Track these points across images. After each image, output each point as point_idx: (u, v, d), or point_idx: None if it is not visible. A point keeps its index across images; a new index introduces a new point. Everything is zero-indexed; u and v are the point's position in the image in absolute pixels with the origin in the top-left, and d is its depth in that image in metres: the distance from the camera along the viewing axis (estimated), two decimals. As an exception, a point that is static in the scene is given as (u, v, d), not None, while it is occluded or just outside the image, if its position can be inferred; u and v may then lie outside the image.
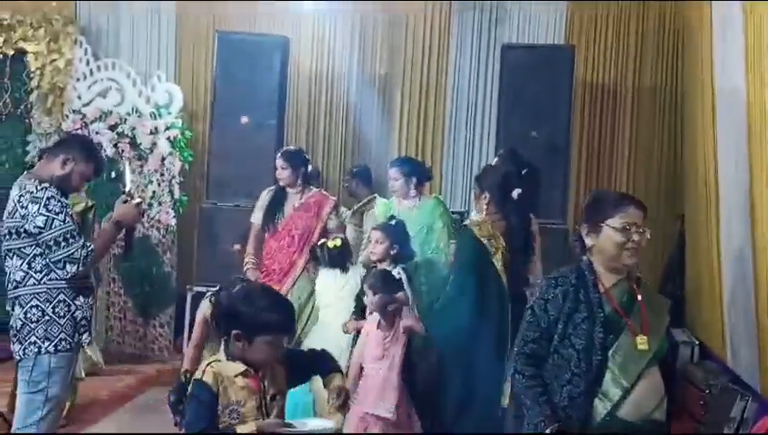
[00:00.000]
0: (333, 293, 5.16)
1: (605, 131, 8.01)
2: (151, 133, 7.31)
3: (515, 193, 4.59)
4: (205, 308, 5.12)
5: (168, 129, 7.36)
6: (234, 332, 2.75)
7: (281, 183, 5.90)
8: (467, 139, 8.10)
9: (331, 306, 5.16)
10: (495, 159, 5.28)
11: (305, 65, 8.19)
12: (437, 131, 8.16)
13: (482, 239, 4.50)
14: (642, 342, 2.96)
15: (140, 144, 7.29)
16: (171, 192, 7.37)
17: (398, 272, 4.81)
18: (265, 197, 5.98)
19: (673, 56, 7.86)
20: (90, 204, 5.06)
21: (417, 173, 5.88)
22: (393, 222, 5.15)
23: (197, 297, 6.73)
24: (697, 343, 6.41)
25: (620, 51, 7.94)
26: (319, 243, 5.36)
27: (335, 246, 5.18)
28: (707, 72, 6.36)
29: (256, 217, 5.94)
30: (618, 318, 2.99)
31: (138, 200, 4.10)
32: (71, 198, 4.01)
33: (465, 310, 4.47)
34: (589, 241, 3.06)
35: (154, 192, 7.32)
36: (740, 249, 5.38)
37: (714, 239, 6.11)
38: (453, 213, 6.89)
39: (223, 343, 2.85)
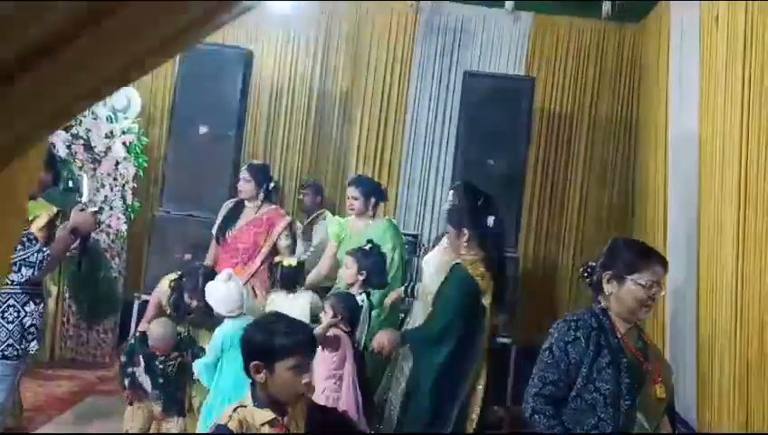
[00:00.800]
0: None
1: (560, 161, 8.12)
2: (107, 137, 7.21)
3: (491, 221, 4.60)
4: (162, 290, 5.13)
5: (123, 133, 7.28)
6: (252, 364, 2.68)
7: (241, 195, 5.89)
8: (424, 162, 8.15)
9: None
10: (451, 193, 5.27)
11: (267, 78, 8.19)
12: (395, 153, 8.20)
13: (475, 278, 4.50)
14: (661, 390, 2.99)
15: (95, 147, 7.18)
16: (124, 197, 7.29)
17: (361, 299, 4.80)
18: (225, 207, 5.98)
19: (630, 91, 8.02)
20: (55, 211, 5.00)
21: (376, 193, 5.91)
22: (368, 247, 5.10)
23: (144, 305, 6.66)
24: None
25: (579, 83, 8.07)
26: (275, 261, 5.33)
27: (290, 265, 5.15)
28: (662, 110, 6.51)
29: (214, 228, 5.94)
30: (638, 364, 3.00)
31: (94, 209, 4.10)
32: (33, 207, 3.96)
33: (446, 350, 4.41)
34: (609, 288, 3.05)
35: (106, 196, 7.22)
36: (684, 286, 5.49)
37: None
38: (405, 235, 6.94)
39: (249, 386, 2.78)
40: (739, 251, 4.43)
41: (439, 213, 7.78)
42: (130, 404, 4.85)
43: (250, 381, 2.75)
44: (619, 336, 3.00)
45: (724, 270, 4.65)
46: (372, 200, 5.82)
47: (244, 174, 5.88)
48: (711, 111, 5.18)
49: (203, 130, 7.13)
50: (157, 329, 4.75)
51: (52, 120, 0.75)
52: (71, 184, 6.52)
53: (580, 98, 8.09)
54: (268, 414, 2.67)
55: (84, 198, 4.18)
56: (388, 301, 5.41)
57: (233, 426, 2.63)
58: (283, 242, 5.80)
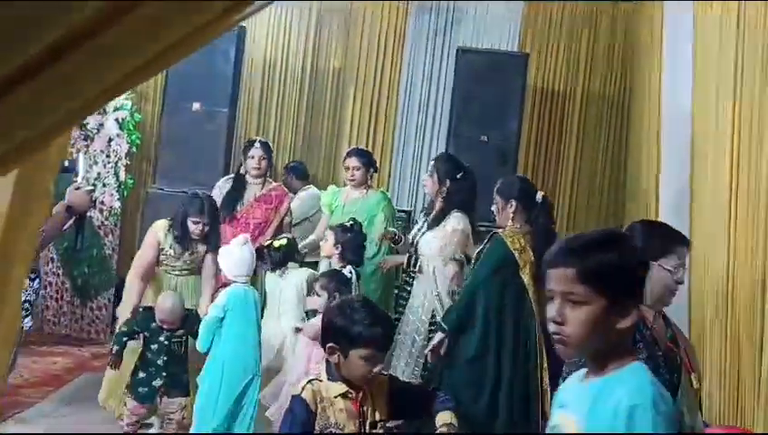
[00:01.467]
0: (276, 295, 5.14)
1: (552, 138, 8.13)
2: (99, 113, 7.18)
3: (539, 196, 4.62)
4: (158, 226, 5.19)
5: (116, 110, 7.24)
6: (328, 345, 2.71)
7: (256, 172, 5.90)
8: (417, 138, 8.16)
9: (272, 308, 5.17)
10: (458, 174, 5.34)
11: (260, 56, 8.16)
12: (388, 129, 8.20)
13: (513, 251, 4.50)
14: (695, 379, 2.88)
15: (87, 124, 7.16)
16: (117, 174, 7.27)
17: (349, 271, 4.84)
18: (223, 185, 5.98)
19: (622, 69, 8.02)
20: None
21: (373, 164, 6.01)
22: (348, 223, 5.15)
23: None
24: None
25: (571, 61, 8.07)
26: (265, 243, 5.36)
27: (280, 245, 5.17)
28: (655, 89, 6.51)
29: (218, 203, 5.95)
30: (673, 356, 2.83)
31: (90, 187, 4.12)
32: None
33: (476, 315, 4.48)
34: None
35: (99, 173, 7.20)
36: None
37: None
38: (399, 211, 6.98)
39: (324, 362, 2.82)
40: (731, 226, 4.46)
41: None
42: (112, 368, 4.87)
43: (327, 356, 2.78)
44: (650, 326, 2.82)
45: (716, 243, 4.68)
46: (371, 170, 5.91)
47: (259, 151, 5.89)
48: (704, 89, 5.19)
49: (196, 106, 7.13)
50: (165, 301, 4.77)
51: (71, 115, 0.76)
52: (66, 163, 6.50)
53: (573, 74, 8.09)
54: (341, 387, 2.71)
55: (80, 178, 4.18)
56: (384, 265, 5.51)
57: (307, 397, 2.68)
58: (287, 219, 5.90)
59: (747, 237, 4.24)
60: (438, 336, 4.58)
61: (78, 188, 4.04)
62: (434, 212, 5.36)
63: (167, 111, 7.32)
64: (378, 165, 6.30)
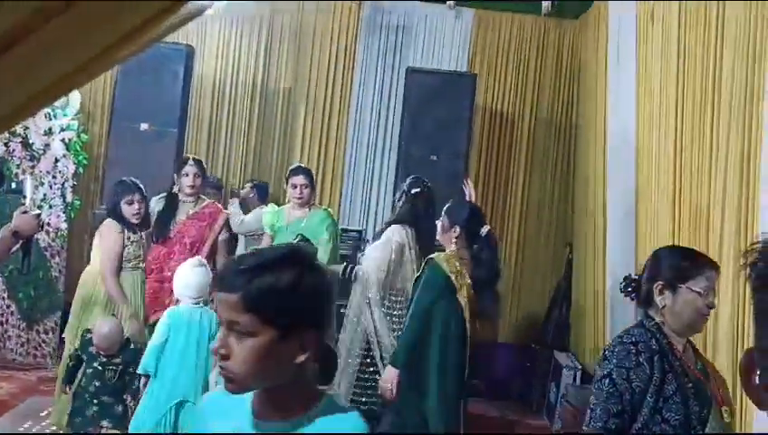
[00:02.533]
0: None
1: (502, 158, 8.21)
2: (45, 134, 7.09)
3: (484, 230, 4.66)
4: (109, 223, 5.18)
5: (62, 130, 7.16)
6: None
7: (190, 190, 5.85)
8: (368, 158, 8.18)
9: None
10: (412, 190, 5.44)
11: (209, 75, 8.13)
12: (339, 148, 8.21)
13: (450, 274, 4.53)
14: (726, 413, 2.72)
15: (33, 144, 7.06)
16: (63, 195, 7.17)
17: None
18: (155, 204, 5.92)
19: (570, 88, 8.13)
20: None
21: (314, 182, 6.02)
22: (296, 240, 5.14)
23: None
24: (580, 367, 6.64)
25: (520, 81, 8.17)
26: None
27: None
28: (601, 106, 6.63)
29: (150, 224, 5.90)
30: (702, 387, 2.69)
31: (37, 211, 4.07)
32: None
33: (425, 345, 4.47)
34: (662, 301, 2.74)
35: (45, 195, 7.10)
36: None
37: (599, 268, 6.35)
38: (350, 231, 6.99)
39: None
40: (674, 241, 4.54)
41: (384, 208, 7.83)
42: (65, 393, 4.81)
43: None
44: (680, 356, 2.71)
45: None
46: (314, 189, 5.95)
47: (193, 169, 5.84)
48: (647, 107, 5.29)
49: (144, 126, 7.06)
50: (101, 327, 4.68)
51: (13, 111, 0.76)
52: (14, 185, 6.43)
53: (521, 94, 8.18)
54: None
55: (28, 200, 4.13)
56: None
57: None
58: (222, 236, 5.84)
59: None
60: (390, 372, 4.53)
61: (25, 212, 3.98)
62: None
63: (114, 132, 7.24)
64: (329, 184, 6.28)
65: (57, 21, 0.65)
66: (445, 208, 4.82)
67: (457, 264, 4.52)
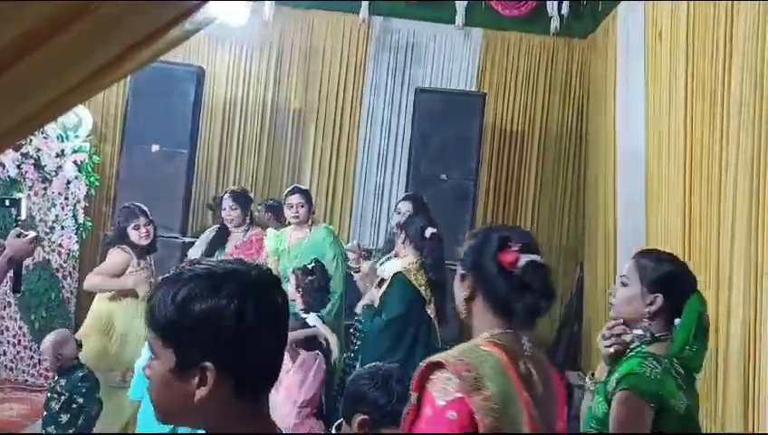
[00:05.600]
0: None
1: (511, 176, 8.21)
2: (57, 156, 7.14)
3: (428, 232, 4.67)
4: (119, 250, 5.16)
5: (75, 152, 7.21)
6: (360, 418, 2.44)
7: (230, 224, 5.96)
8: (378, 176, 8.19)
9: None
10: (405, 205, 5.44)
11: (220, 96, 8.17)
12: (349, 168, 8.23)
13: (419, 288, 4.53)
14: None
15: (45, 166, 7.11)
16: (75, 217, 7.21)
17: (313, 319, 4.76)
18: (208, 234, 6.03)
19: (579, 106, 8.14)
20: None
21: (312, 202, 6.02)
22: (310, 265, 5.06)
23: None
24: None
25: (529, 100, 8.18)
26: None
27: None
28: (610, 124, 6.63)
29: (195, 253, 5.94)
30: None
31: (32, 234, 3.94)
32: None
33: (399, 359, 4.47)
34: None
35: (57, 216, 7.14)
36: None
37: (610, 287, 6.32)
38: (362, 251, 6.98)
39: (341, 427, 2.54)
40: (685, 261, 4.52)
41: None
42: None
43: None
44: None
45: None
46: (313, 208, 5.93)
47: (227, 202, 5.93)
48: (656, 124, 5.29)
49: (155, 147, 7.10)
50: (46, 337, 4.65)
51: (28, 120, 0.76)
52: (8, 202, 6.40)
53: (530, 112, 8.19)
54: None
55: (23, 216, 4.03)
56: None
57: None
58: (270, 259, 5.87)
59: (702, 269, 4.30)
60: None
61: (20, 235, 3.84)
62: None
63: (125, 153, 7.29)
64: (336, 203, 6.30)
65: (56, 40, 0.65)
66: (399, 223, 4.97)
67: (421, 276, 4.54)
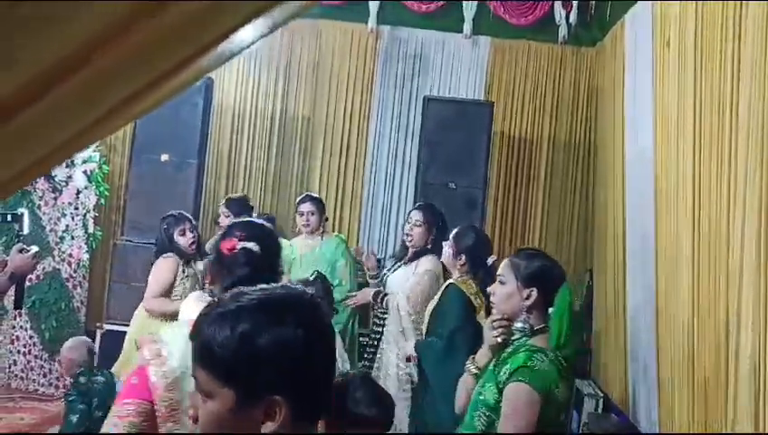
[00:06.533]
0: None
1: (520, 184, 8.21)
2: (67, 166, 7.18)
3: (490, 260, 4.68)
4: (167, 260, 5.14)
5: (84, 162, 7.25)
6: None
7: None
8: (386, 186, 8.21)
9: None
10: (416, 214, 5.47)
11: (229, 106, 8.20)
12: (357, 177, 8.25)
13: (470, 296, 4.54)
14: None
15: (55, 176, 7.15)
16: (85, 226, 7.25)
17: None
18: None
19: (587, 114, 8.13)
20: None
21: (324, 209, 6.02)
22: (312, 277, 5.08)
23: (107, 335, 6.63)
24: (602, 395, 6.59)
25: (537, 108, 8.18)
26: None
27: None
28: (618, 132, 6.63)
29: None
30: None
31: (35, 250, 3.94)
32: None
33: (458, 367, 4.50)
34: None
35: (67, 226, 7.18)
36: (644, 305, 5.57)
37: (620, 295, 6.31)
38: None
39: None
40: (694, 271, 4.52)
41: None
42: None
43: None
44: None
45: (680, 286, 4.73)
46: (324, 216, 5.92)
47: (224, 210, 5.92)
48: (665, 132, 5.29)
49: (164, 157, 7.13)
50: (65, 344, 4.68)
51: (54, 154, 0.76)
52: (9, 217, 6.41)
53: (538, 121, 8.20)
54: None
55: (25, 231, 4.03)
56: (349, 302, 5.50)
57: None
58: None
59: (710, 281, 4.30)
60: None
61: (22, 250, 3.84)
62: (409, 254, 5.43)
63: (135, 163, 7.32)
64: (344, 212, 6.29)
65: (117, 47, 0.65)
66: (452, 234, 4.85)
67: (473, 284, 4.55)
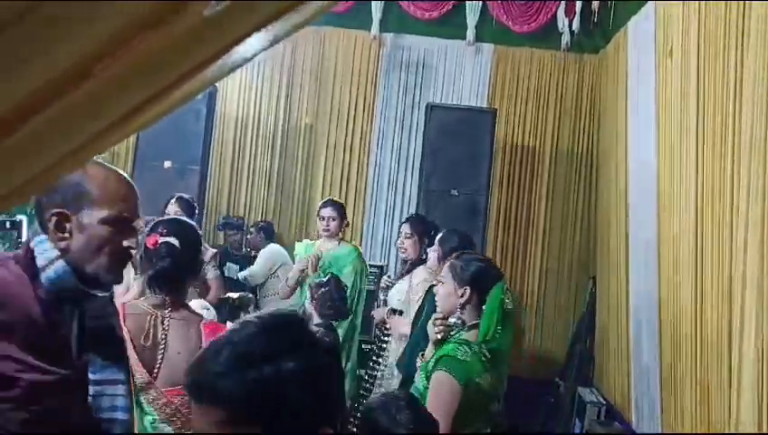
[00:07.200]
0: None
1: (522, 192, 8.21)
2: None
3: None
4: None
5: (88, 169, 7.22)
6: None
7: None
8: (389, 193, 8.22)
9: None
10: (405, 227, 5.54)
11: (232, 113, 8.22)
12: (360, 184, 8.26)
13: None
14: None
15: (59, 184, 7.13)
16: (88, 233, 7.23)
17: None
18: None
19: (590, 122, 8.14)
20: None
21: (346, 216, 6.04)
22: (325, 278, 5.09)
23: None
24: (604, 403, 6.58)
25: (540, 116, 8.19)
26: (225, 296, 5.35)
27: (233, 300, 5.23)
28: (621, 141, 6.63)
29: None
30: None
31: None
32: None
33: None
34: None
35: (70, 232, 7.16)
36: (647, 312, 5.57)
37: (623, 302, 6.31)
38: (372, 266, 7.00)
39: None
40: (697, 275, 4.51)
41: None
42: None
43: None
44: None
45: (683, 291, 4.74)
46: (345, 222, 5.94)
47: (175, 208, 5.90)
48: (667, 141, 5.29)
49: (167, 164, 7.14)
50: None
51: (56, 168, 0.76)
52: (8, 225, 6.38)
53: (541, 128, 8.20)
54: None
55: (24, 238, 4.03)
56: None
57: None
58: (211, 274, 5.76)
59: (714, 285, 4.30)
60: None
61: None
62: (407, 266, 5.46)
63: (138, 169, 7.32)
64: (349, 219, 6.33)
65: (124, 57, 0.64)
66: (437, 238, 4.95)
67: None
